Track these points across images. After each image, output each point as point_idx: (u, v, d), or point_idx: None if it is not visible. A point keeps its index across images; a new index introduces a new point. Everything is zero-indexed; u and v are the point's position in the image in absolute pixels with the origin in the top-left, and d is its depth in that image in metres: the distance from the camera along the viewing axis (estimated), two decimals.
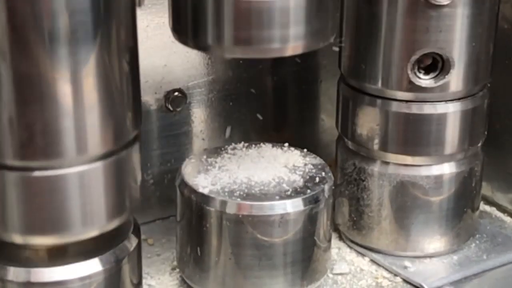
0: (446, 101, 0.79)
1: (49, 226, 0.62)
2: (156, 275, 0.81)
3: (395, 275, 0.82)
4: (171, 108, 0.86)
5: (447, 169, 0.81)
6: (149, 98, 0.86)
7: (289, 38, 0.66)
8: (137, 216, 0.75)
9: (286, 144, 0.81)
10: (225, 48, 0.66)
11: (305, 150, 0.80)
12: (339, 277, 0.81)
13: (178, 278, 0.80)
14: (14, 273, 0.65)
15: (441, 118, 0.79)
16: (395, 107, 0.79)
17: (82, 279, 0.65)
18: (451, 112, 0.79)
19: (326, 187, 0.75)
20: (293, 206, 0.73)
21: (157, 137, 0.87)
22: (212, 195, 0.73)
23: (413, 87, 0.77)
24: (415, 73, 0.77)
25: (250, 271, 0.74)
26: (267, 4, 0.64)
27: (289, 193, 0.73)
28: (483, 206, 0.93)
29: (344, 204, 0.85)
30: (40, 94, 0.57)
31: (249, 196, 0.73)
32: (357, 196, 0.84)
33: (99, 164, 0.62)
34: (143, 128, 0.85)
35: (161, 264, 0.83)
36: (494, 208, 0.94)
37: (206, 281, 0.76)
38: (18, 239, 0.63)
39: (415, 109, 0.78)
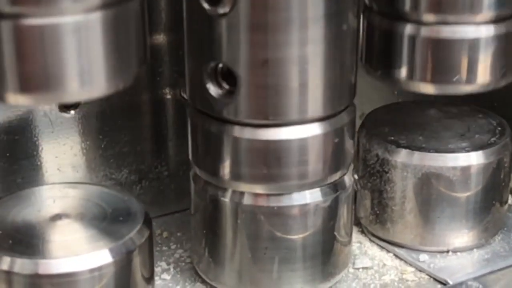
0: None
1: (43, 83, 0.56)
2: (170, 269, 0.79)
3: (420, 270, 0.79)
4: (186, 97, 0.84)
5: (474, 160, 0.78)
6: (163, 87, 0.84)
7: None
8: (151, 209, 0.74)
9: None
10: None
11: None
12: (361, 271, 0.79)
13: (193, 273, 0.78)
14: (21, 265, 0.63)
15: None
16: None
17: (91, 271, 0.63)
18: None
19: (346, 176, 0.72)
20: (312, 197, 0.70)
21: (172, 127, 0.85)
22: (228, 186, 0.70)
23: None
24: None
25: (267, 265, 0.72)
26: None
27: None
28: None
29: (366, 197, 0.83)
30: None
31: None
32: (380, 189, 0.81)
33: (97, 15, 0.57)
34: (157, 118, 0.84)
35: (176, 258, 0.81)
36: None
37: (222, 275, 0.73)
38: (11, 98, 0.57)
39: None
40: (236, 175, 0.69)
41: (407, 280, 0.78)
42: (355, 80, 0.71)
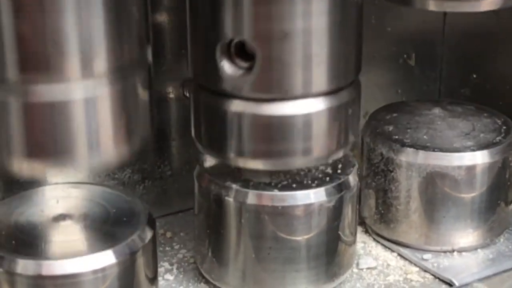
0: None
1: (52, 152, 0.58)
2: (173, 270, 0.78)
3: (425, 270, 0.79)
4: (189, 95, 0.83)
5: (480, 159, 0.78)
6: (166, 85, 0.83)
7: None
8: (154, 208, 0.73)
9: None
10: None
11: None
12: (365, 272, 0.78)
13: (197, 273, 0.77)
14: (24, 266, 0.62)
15: None
16: None
17: (94, 272, 0.63)
18: None
19: (351, 176, 0.72)
20: (316, 197, 0.70)
21: (175, 126, 0.85)
22: (232, 185, 0.70)
23: None
24: None
25: (271, 265, 0.71)
26: None
27: (312, 182, 0.70)
28: None
29: (371, 197, 0.82)
30: None
31: (270, 186, 0.70)
32: (385, 188, 0.81)
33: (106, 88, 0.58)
34: (160, 117, 0.83)
35: (179, 258, 0.80)
36: None
37: (225, 275, 0.73)
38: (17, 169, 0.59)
39: None
40: (240, 151, 0.68)
41: (411, 280, 0.77)
42: (360, 55, 0.70)
